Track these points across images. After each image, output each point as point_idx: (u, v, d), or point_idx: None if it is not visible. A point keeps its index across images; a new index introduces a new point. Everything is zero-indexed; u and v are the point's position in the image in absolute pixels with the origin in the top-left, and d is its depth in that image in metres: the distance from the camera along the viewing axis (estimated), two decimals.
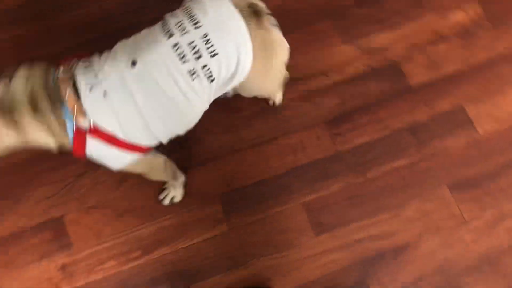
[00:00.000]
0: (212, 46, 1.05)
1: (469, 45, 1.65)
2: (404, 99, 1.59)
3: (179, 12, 1.09)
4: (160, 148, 1.23)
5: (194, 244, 1.46)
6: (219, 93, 1.17)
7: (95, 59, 1.08)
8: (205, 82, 1.07)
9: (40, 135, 1.01)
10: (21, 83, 0.99)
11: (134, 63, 1.03)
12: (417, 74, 1.62)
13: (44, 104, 0.99)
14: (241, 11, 1.07)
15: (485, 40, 1.65)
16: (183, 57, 1.04)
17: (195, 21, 1.05)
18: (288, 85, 1.57)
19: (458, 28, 1.67)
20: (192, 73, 1.05)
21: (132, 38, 1.10)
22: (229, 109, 1.59)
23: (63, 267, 1.44)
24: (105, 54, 1.08)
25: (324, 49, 1.65)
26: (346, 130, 1.55)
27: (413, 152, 1.53)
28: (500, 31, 1.67)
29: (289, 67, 1.38)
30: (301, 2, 1.71)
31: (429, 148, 1.54)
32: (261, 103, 1.58)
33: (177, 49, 1.03)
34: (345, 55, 1.64)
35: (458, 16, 1.69)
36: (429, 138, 1.55)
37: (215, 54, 1.05)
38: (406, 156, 1.52)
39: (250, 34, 1.07)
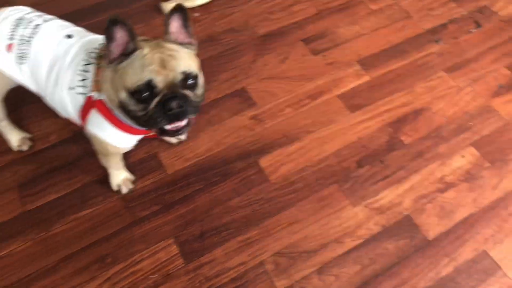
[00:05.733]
0: None
1: (475, 187, 1.78)
2: (424, 254, 1.64)
3: None
4: None
5: None
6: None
7: None
8: None
9: None
10: None
11: None
12: (431, 224, 1.70)
13: None
14: None
15: (489, 180, 1.80)
16: None
17: None
18: (303, 261, 1.61)
19: (461, 172, 1.82)
20: None
21: None
22: None
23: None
24: None
25: (334, 214, 1.72)
26: None
27: None
28: (500, 168, 1.82)
29: (301, 239, 1.64)
30: (302, 171, 1.80)
31: None
32: None
33: None
34: (357, 218, 1.71)
35: (458, 162, 1.84)
36: None
37: None
38: None
39: None
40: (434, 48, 2.15)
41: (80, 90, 1.36)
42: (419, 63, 2.10)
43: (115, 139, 1.43)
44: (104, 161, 1.63)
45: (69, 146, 1.88)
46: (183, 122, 1.28)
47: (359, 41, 2.18)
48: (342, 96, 2.00)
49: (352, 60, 2.12)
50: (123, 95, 1.23)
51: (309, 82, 2.05)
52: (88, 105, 1.36)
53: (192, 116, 1.28)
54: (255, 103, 1.99)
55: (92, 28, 1.62)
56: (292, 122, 1.93)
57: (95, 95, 1.34)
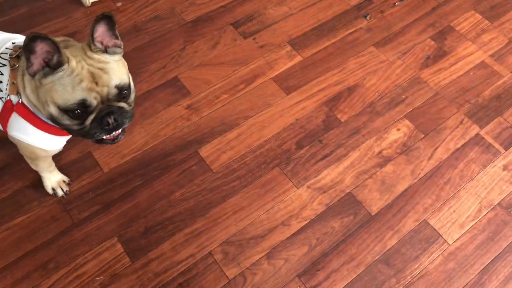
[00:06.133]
0: None
1: (412, 159, 1.86)
2: (369, 230, 1.70)
3: None
4: None
5: None
6: None
7: None
8: None
9: None
10: None
11: None
12: (373, 199, 1.76)
13: None
14: None
15: (424, 150, 1.88)
16: None
17: None
18: (252, 247, 1.64)
19: (398, 145, 1.89)
20: None
21: None
22: None
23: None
24: None
25: (279, 198, 1.75)
26: (322, 280, 1.60)
27: (393, 284, 1.61)
28: (433, 138, 1.91)
29: (248, 226, 1.67)
30: (243, 158, 1.83)
31: (408, 275, 1.62)
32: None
33: None
34: (301, 199, 1.75)
35: (394, 135, 1.91)
36: (404, 263, 1.64)
37: None
38: None
39: None
40: (362, 23, 2.20)
41: None
42: (349, 39, 2.15)
43: (41, 142, 1.36)
44: (34, 166, 1.56)
45: None
46: (119, 130, 1.29)
47: (288, 22, 2.19)
48: (276, 79, 2.01)
49: (283, 41, 2.13)
50: (53, 110, 1.19)
51: (242, 67, 2.04)
52: (8, 109, 1.29)
53: (128, 124, 1.29)
54: (189, 92, 1.97)
55: (5, 26, 1.54)
56: (229, 109, 1.93)
57: (13, 98, 1.27)
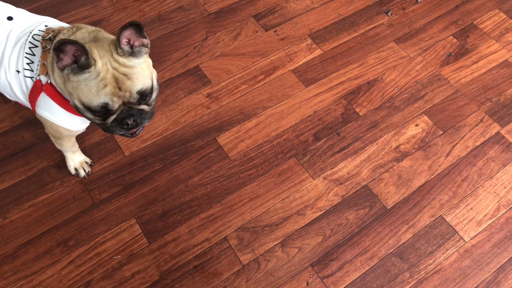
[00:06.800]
0: None
1: (430, 155, 1.87)
2: (384, 223, 1.72)
3: None
4: None
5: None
6: None
7: None
8: None
9: None
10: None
11: None
12: (389, 193, 1.78)
13: None
14: None
15: (442, 147, 1.89)
16: None
17: None
18: (266, 235, 1.68)
19: (416, 141, 1.91)
20: None
21: None
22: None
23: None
24: None
25: (295, 187, 1.79)
26: (335, 270, 1.63)
27: (407, 278, 1.63)
28: (451, 135, 1.92)
29: (263, 213, 1.72)
30: (261, 147, 1.87)
31: (422, 270, 1.64)
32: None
33: None
34: (317, 190, 1.78)
35: (413, 130, 1.93)
36: (418, 258, 1.66)
37: None
38: (401, 284, 1.62)
39: None
40: (384, 19, 2.21)
41: (28, 73, 1.36)
42: (370, 34, 2.17)
43: (66, 121, 1.43)
44: (58, 145, 1.62)
45: (21, 132, 1.84)
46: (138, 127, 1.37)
47: (309, 15, 2.22)
48: (296, 71, 2.04)
49: (304, 34, 2.15)
50: (78, 103, 1.27)
51: (262, 58, 2.07)
52: (37, 89, 1.36)
53: (147, 123, 1.36)
54: (210, 81, 2.00)
55: (36, 12, 1.62)
56: (248, 99, 1.96)
57: (43, 78, 1.34)
